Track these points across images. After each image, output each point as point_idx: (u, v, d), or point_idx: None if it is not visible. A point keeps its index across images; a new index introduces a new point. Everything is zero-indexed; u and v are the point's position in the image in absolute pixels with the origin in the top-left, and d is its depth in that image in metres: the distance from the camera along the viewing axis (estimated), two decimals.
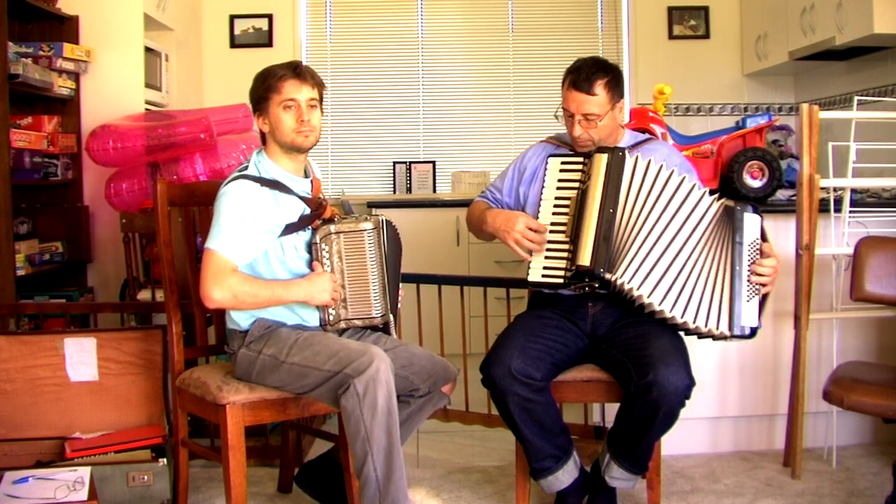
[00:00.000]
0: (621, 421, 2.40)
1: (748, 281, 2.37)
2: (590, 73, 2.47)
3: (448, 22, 5.52)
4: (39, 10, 3.76)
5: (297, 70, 2.39)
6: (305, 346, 2.31)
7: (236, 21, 5.32)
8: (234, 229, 2.28)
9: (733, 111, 5.41)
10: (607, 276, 2.37)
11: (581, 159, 2.50)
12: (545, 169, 2.55)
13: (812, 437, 3.16)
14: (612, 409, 2.69)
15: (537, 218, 2.52)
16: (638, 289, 2.36)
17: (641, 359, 2.32)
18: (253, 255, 2.33)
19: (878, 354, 3.22)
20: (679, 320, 2.37)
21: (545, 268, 2.49)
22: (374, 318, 2.45)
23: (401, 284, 2.60)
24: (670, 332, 2.44)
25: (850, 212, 3.02)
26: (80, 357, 2.84)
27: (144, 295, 3.47)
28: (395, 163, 5.48)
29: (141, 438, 2.76)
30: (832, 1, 4.01)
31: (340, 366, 2.22)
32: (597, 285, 2.42)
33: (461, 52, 5.52)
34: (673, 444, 3.01)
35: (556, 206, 2.51)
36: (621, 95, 2.54)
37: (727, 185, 3.37)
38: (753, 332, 2.39)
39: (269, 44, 5.33)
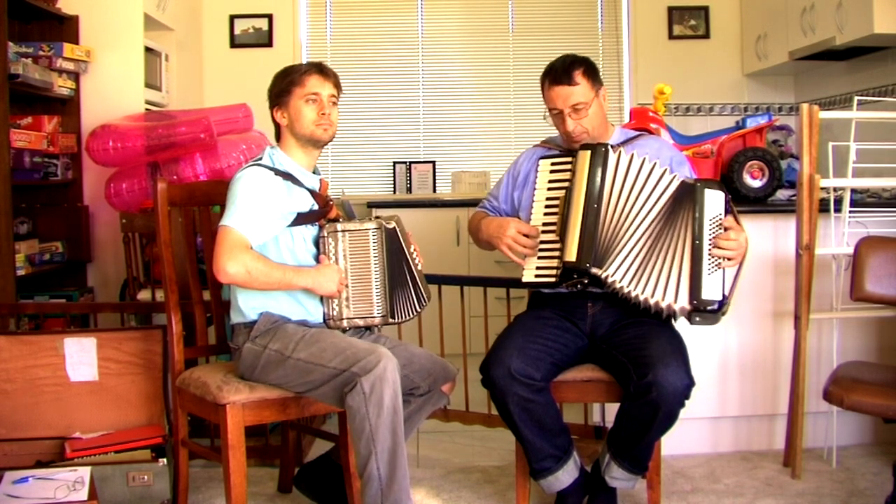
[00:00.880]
0: (621, 421, 2.40)
1: (709, 255, 2.37)
2: (566, 65, 2.51)
3: (448, 22, 5.52)
4: (39, 10, 3.76)
5: (320, 67, 2.49)
6: (312, 342, 2.32)
7: (236, 21, 5.33)
8: (249, 209, 2.31)
9: (733, 111, 5.41)
10: (594, 270, 2.38)
11: (570, 159, 2.51)
12: (536, 172, 2.57)
13: (812, 437, 3.16)
14: (612, 409, 2.69)
15: (530, 220, 2.53)
16: (626, 284, 2.37)
17: (641, 359, 2.33)
18: (266, 236, 2.36)
19: (878, 354, 3.22)
20: (651, 301, 2.37)
21: (538, 268, 2.50)
22: (374, 317, 2.46)
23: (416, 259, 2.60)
24: (670, 333, 2.45)
25: (850, 212, 3.02)
26: (80, 357, 2.84)
27: (144, 295, 3.46)
28: (395, 163, 5.48)
29: (141, 438, 2.76)
30: (832, 1, 4.01)
31: (347, 363, 2.23)
32: (586, 281, 2.43)
33: (461, 52, 5.52)
34: (673, 444, 3.01)
35: (547, 206, 2.52)
36: (601, 84, 2.57)
37: (727, 185, 3.36)
38: (720, 305, 2.38)
39: (269, 44, 5.33)
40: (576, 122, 2.52)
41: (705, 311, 2.37)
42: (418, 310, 2.56)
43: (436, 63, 5.52)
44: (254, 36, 5.34)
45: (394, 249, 2.51)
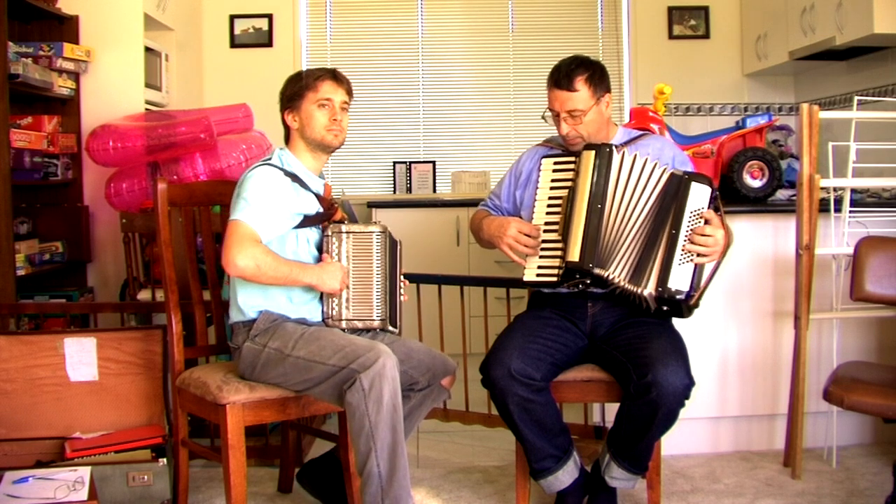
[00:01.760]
0: (621, 421, 2.40)
1: (683, 246, 2.36)
2: (569, 70, 2.49)
3: (448, 22, 5.52)
4: (39, 10, 3.76)
5: (334, 73, 2.51)
6: (311, 340, 2.32)
7: (236, 21, 5.32)
8: (259, 204, 2.33)
9: (733, 111, 5.41)
10: (597, 271, 2.38)
11: (573, 158, 2.51)
12: (539, 170, 2.57)
13: (812, 437, 3.16)
14: (612, 409, 2.69)
15: (532, 218, 2.53)
16: (623, 279, 2.38)
17: (641, 359, 2.33)
18: (275, 233, 2.37)
19: (878, 354, 3.22)
20: (629, 288, 2.39)
21: (539, 267, 2.50)
22: (373, 320, 2.46)
23: (404, 282, 2.61)
24: (670, 333, 2.45)
25: (850, 212, 3.02)
26: (80, 357, 2.84)
27: (144, 295, 3.46)
28: (395, 163, 5.48)
29: (141, 438, 2.76)
30: (832, 1, 4.01)
31: (347, 360, 2.23)
32: (588, 281, 2.43)
33: (461, 52, 5.52)
34: (673, 444, 3.01)
35: (549, 205, 2.52)
36: (607, 90, 2.55)
37: (727, 185, 3.37)
38: (687, 298, 2.38)
39: (269, 44, 5.33)
40: (571, 126, 2.51)
41: (672, 301, 2.38)
42: (395, 330, 2.53)
43: (436, 63, 5.52)
44: (254, 36, 5.34)
45: (392, 259, 2.52)
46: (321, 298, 2.46)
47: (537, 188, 2.56)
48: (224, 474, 2.34)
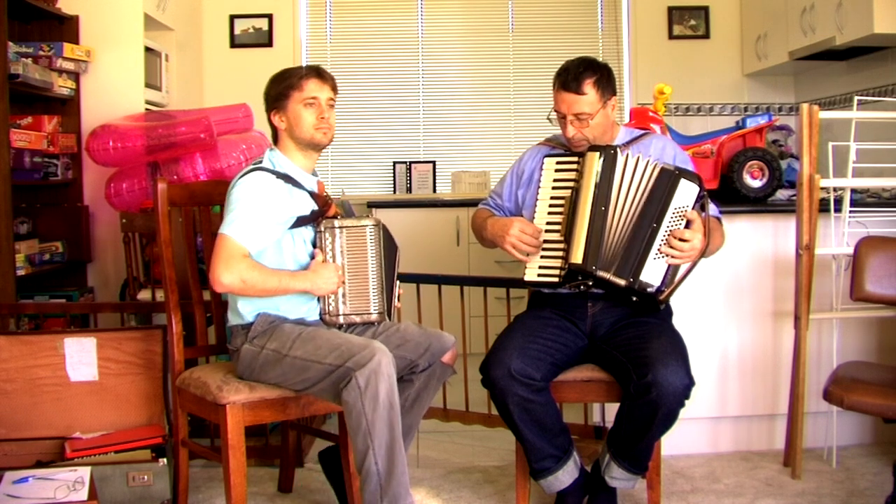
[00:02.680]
0: (621, 421, 2.40)
1: (662, 241, 2.36)
2: (577, 72, 2.48)
3: (448, 22, 5.52)
4: (39, 10, 3.76)
5: (318, 71, 2.50)
6: (308, 340, 2.33)
7: (236, 21, 5.33)
8: (248, 216, 2.31)
9: (733, 111, 5.41)
10: (600, 273, 2.37)
11: (576, 158, 2.51)
12: (541, 170, 2.56)
13: (812, 437, 3.16)
14: (612, 409, 2.69)
15: (534, 217, 2.53)
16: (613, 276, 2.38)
17: (641, 359, 2.33)
18: (265, 243, 2.36)
19: (878, 354, 3.22)
20: (606, 278, 2.38)
21: (541, 267, 2.50)
22: (371, 314, 2.46)
23: (399, 284, 2.61)
24: (670, 333, 2.45)
25: (850, 212, 3.02)
26: (80, 357, 2.84)
27: (144, 295, 3.46)
28: (395, 163, 5.48)
29: (141, 438, 2.76)
30: (832, 1, 4.01)
31: (342, 359, 2.23)
32: (591, 283, 2.43)
33: (461, 52, 5.52)
34: (673, 444, 3.01)
35: (551, 205, 2.52)
36: (613, 92, 2.54)
37: (727, 185, 3.37)
38: (657, 293, 2.37)
39: (269, 44, 5.33)
40: (577, 129, 2.50)
41: (642, 293, 2.38)
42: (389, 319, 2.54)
43: (436, 63, 5.52)
44: (254, 36, 5.34)
45: (389, 248, 2.52)
46: (318, 298, 2.46)
47: (539, 188, 2.56)
48: (224, 474, 2.34)
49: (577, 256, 2.38)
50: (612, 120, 2.59)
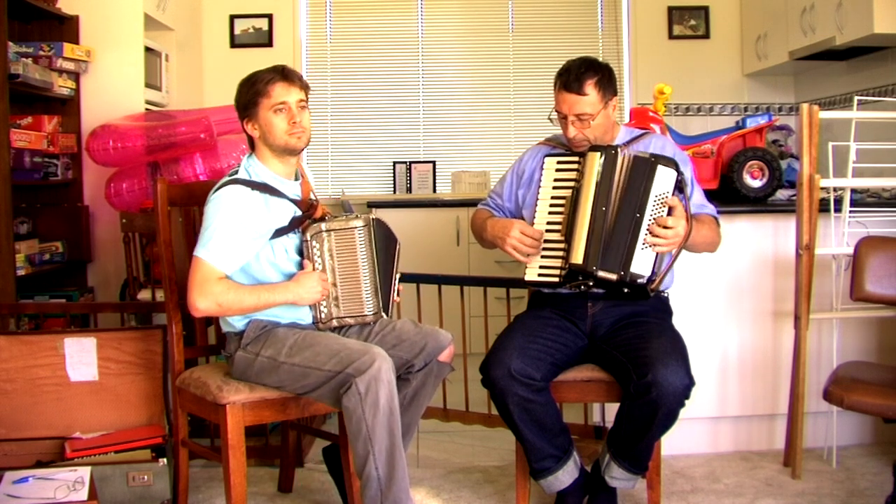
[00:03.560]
0: (621, 421, 2.40)
1: (647, 230, 2.35)
2: (579, 73, 2.47)
3: (448, 22, 5.51)
4: (39, 10, 3.76)
5: (284, 73, 2.41)
6: (305, 346, 2.31)
7: (236, 21, 5.33)
8: (223, 236, 2.28)
9: (733, 111, 5.41)
10: (601, 273, 2.37)
11: (577, 158, 2.51)
12: (542, 170, 2.56)
13: (812, 437, 3.16)
14: (612, 409, 2.69)
15: (534, 217, 2.52)
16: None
17: (641, 359, 2.32)
18: (242, 261, 2.33)
19: (878, 354, 3.22)
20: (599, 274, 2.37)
21: (541, 267, 2.49)
22: (366, 315, 2.45)
23: (397, 282, 2.59)
24: (670, 333, 2.45)
25: (850, 212, 3.02)
26: (80, 357, 2.84)
27: (144, 295, 3.46)
28: (395, 163, 5.48)
29: (141, 438, 2.76)
30: (832, 1, 4.01)
31: (342, 365, 2.23)
32: (591, 283, 2.42)
33: (461, 52, 5.52)
34: (673, 444, 3.01)
35: (552, 205, 2.51)
36: (614, 93, 2.54)
37: (727, 184, 3.37)
38: (648, 282, 2.37)
39: (269, 44, 5.33)
40: (578, 130, 2.50)
41: (633, 284, 2.37)
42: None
43: (436, 63, 5.52)
44: (254, 36, 5.34)
45: (384, 244, 2.48)
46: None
47: (540, 187, 2.55)
48: (224, 474, 2.34)
49: (578, 257, 2.38)
50: (613, 120, 2.59)
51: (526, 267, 2.52)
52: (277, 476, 2.93)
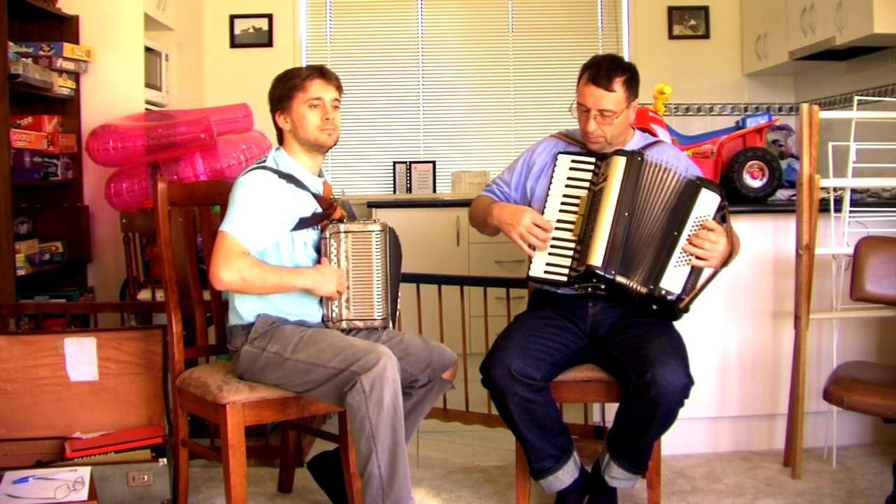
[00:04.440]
0: (621, 421, 2.40)
1: (683, 249, 2.36)
2: (609, 69, 2.47)
3: (448, 22, 5.51)
4: (39, 9, 3.76)
5: (322, 71, 2.48)
6: (310, 343, 2.32)
7: (236, 21, 5.32)
8: (249, 215, 2.31)
9: (733, 111, 5.41)
10: (619, 279, 2.37)
11: (593, 159, 2.50)
12: (554, 165, 2.55)
13: (812, 437, 3.16)
14: (612, 409, 2.69)
15: (543, 213, 2.52)
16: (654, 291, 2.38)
17: (640, 358, 2.33)
18: (265, 243, 2.35)
19: (878, 354, 3.22)
20: (627, 284, 2.38)
21: (548, 264, 2.48)
22: (374, 319, 2.46)
23: (399, 287, 2.60)
24: (669, 333, 2.45)
25: (850, 212, 3.02)
26: (80, 357, 2.84)
27: (144, 295, 3.46)
28: (395, 163, 5.48)
29: (141, 438, 2.76)
30: (832, 1, 4.01)
31: (347, 363, 2.23)
32: (603, 287, 2.42)
33: (461, 52, 5.52)
34: (673, 444, 3.01)
35: (563, 203, 2.51)
36: (636, 95, 2.54)
37: (727, 185, 3.36)
38: (678, 300, 2.37)
39: (269, 44, 5.33)
40: (599, 125, 2.49)
41: (661, 301, 2.37)
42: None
43: (436, 63, 5.52)
44: (254, 36, 5.34)
45: (395, 253, 2.51)
46: (320, 301, 2.45)
47: (551, 183, 2.54)
48: (224, 474, 2.34)
49: (596, 259, 2.37)
50: (630, 122, 2.59)
51: (531, 262, 2.51)
52: (277, 476, 2.93)
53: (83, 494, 2.35)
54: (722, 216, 2.41)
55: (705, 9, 5.39)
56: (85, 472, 2.44)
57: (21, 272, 3.49)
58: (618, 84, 2.46)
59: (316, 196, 2.46)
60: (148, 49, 4.19)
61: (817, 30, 4.21)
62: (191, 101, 4.85)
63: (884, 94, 4.20)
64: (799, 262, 2.99)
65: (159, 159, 3.65)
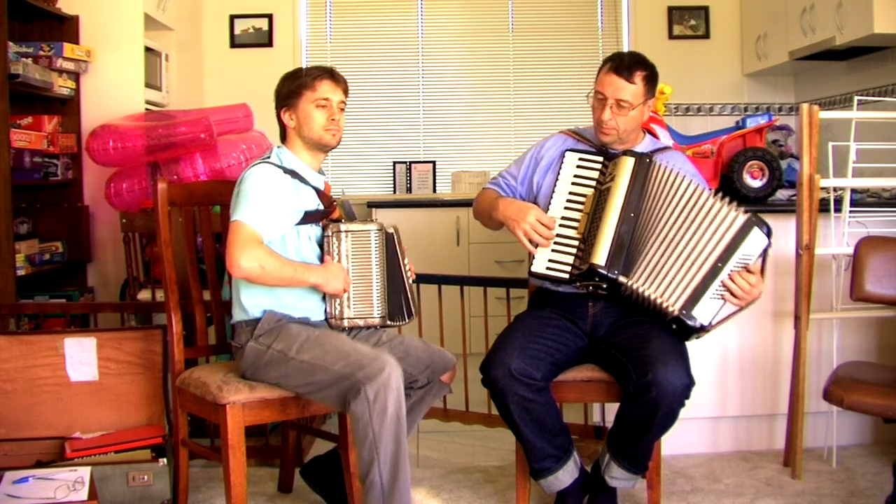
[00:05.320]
0: (621, 421, 2.40)
1: (722, 282, 2.35)
2: (632, 62, 2.52)
3: (448, 22, 5.51)
4: (39, 9, 3.76)
5: (331, 73, 2.51)
6: (316, 344, 2.32)
7: (236, 21, 5.32)
8: (261, 204, 2.32)
9: (733, 111, 5.41)
10: (622, 279, 2.37)
11: (601, 158, 2.51)
12: (561, 162, 2.55)
13: (812, 437, 3.16)
14: (612, 409, 2.69)
15: (548, 209, 2.52)
16: (653, 292, 2.37)
17: (640, 358, 2.32)
18: (277, 233, 2.37)
19: (878, 354, 3.22)
20: (652, 297, 2.37)
21: (550, 261, 2.48)
22: (374, 318, 2.47)
23: (408, 285, 2.59)
24: (670, 333, 2.44)
25: (850, 212, 3.02)
26: (80, 357, 2.84)
27: (144, 295, 3.46)
28: (395, 163, 5.48)
29: (141, 438, 2.76)
30: (832, 1, 4.01)
31: (351, 368, 2.23)
32: (604, 286, 2.42)
33: (461, 52, 5.52)
34: (673, 444, 3.01)
35: (569, 200, 2.51)
36: (653, 95, 2.58)
37: (727, 185, 3.37)
38: (701, 329, 2.37)
39: (269, 44, 5.33)
40: (613, 115, 2.50)
41: (686, 325, 2.37)
42: (406, 320, 2.56)
43: (436, 63, 5.52)
44: (254, 36, 5.34)
45: (391, 254, 2.53)
46: (324, 297, 2.46)
47: (557, 180, 2.54)
48: (224, 474, 2.34)
49: (600, 258, 2.37)
50: (642, 122, 2.60)
51: (533, 258, 2.51)
52: (277, 476, 2.93)
53: (83, 494, 2.36)
54: (763, 258, 2.40)
55: (705, 9, 5.39)
56: (85, 472, 2.44)
57: (21, 272, 3.49)
58: (638, 77, 2.50)
59: (318, 192, 2.48)
60: (148, 49, 4.19)
61: (817, 30, 4.21)
62: (191, 101, 4.85)
63: (884, 94, 4.20)
64: (799, 262, 2.99)
65: (159, 159, 3.65)
